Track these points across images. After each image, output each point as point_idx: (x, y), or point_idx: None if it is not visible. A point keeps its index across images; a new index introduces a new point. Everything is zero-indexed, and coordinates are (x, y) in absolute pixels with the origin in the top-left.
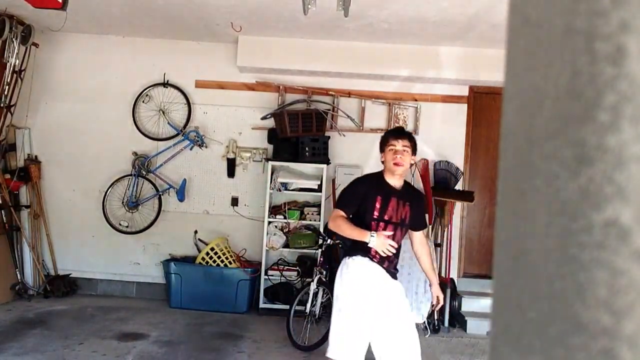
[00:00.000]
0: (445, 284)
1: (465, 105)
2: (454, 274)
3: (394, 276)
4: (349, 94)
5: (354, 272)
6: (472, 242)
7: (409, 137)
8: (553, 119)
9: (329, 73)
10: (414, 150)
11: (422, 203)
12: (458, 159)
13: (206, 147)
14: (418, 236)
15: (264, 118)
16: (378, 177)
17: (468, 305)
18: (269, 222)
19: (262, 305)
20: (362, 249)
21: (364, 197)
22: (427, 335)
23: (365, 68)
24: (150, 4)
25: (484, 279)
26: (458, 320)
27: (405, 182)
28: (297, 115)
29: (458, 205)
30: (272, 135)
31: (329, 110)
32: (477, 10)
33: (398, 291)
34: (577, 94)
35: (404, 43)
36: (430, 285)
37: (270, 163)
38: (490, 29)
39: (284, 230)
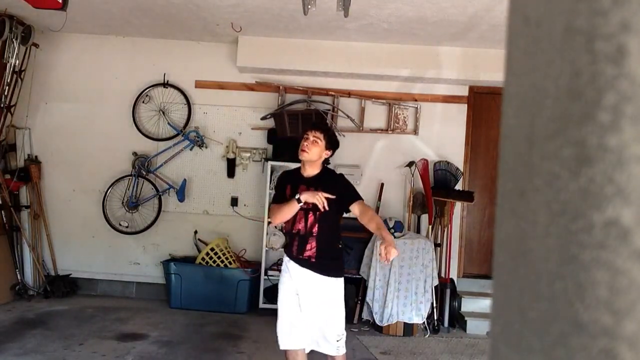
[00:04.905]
0: (446, 284)
1: (465, 105)
2: (454, 274)
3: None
4: (349, 94)
5: None
6: (472, 242)
7: (324, 130)
8: (553, 119)
9: (329, 73)
10: (330, 145)
11: (339, 183)
12: (458, 159)
13: (206, 147)
14: (356, 208)
15: (263, 118)
16: (294, 170)
17: (468, 305)
18: (269, 222)
19: (262, 305)
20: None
21: (282, 189)
22: (427, 336)
23: (365, 68)
24: (150, 4)
25: (484, 279)
26: (458, 320)
27: (323, 170)
28: (297, 115)
29: (458, 206)
30: (272, 135)
31: (329, 110)
32: (477, 10)
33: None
34: (578, 94)
35: (404, 43)
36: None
37: (270, 163)
38: (490, 29)
39: (284, 231)
